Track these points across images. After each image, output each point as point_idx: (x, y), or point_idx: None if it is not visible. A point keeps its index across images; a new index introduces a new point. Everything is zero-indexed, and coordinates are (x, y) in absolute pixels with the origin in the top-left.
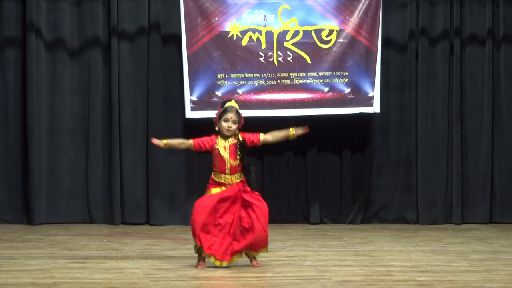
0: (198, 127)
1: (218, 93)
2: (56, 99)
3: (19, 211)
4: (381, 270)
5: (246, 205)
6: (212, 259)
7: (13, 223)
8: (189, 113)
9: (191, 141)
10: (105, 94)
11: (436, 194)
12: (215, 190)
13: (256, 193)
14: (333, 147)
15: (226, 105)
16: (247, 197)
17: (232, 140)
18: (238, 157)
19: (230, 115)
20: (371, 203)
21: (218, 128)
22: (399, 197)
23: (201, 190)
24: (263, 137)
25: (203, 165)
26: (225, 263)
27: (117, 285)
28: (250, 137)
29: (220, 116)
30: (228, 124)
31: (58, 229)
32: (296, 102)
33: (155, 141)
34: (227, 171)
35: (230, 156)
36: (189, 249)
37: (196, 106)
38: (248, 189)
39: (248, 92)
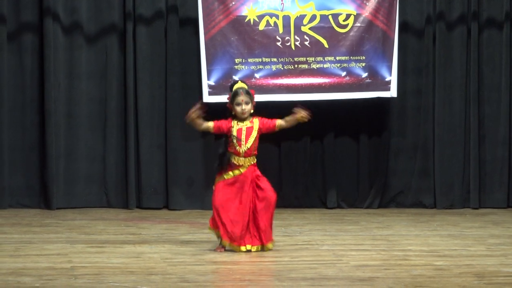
0: (216, 112)
1: (236, 77)
2: (73, 83)
3: (37, 196)
4: (399, 255)
5: (257, 191)
6: (229, 245)
7: (31, 208)
8: (207, 98)
9: (211, 123)
10: (122, 79)
11: (454, 179)
12: (227, 176)
13: (265, 179)
14: (350, 132)
15: (234, 88)
16: (258, 182)
17: (248, 123)
18: (252, 141)
19: (241, 98)
20: (388, 187)
21: (234, 112)
22: (416, 181)
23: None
24: (279, 122)
25: (221, 149)
26: (242, 248)
27: (135, 270)
28: (266, 122)
29: (232, 101)
30: (242, 107)
31: (75, 213)
32: (313, 86)
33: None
34: (241, 153)
35: (245, 139)
36: (207, 234)
37: (213, 90)
38: (259, 173)
39: (265, 76)
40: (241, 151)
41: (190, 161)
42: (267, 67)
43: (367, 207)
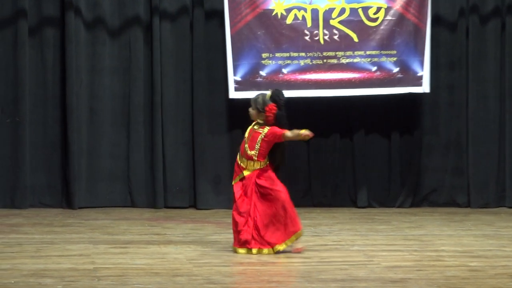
0: (242, 108)
1: (263, 72)
2: (96, 79)
3: (59, 195)
4: (431, 255)
5: (263, 192)
6: (241, 251)
7: (52, 207)
8: (233, 94)
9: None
10: (146, 74)
11: (488, 177)
12: (235, 181)
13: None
14: (381, 129)
15: (262, 97)
16: (261, 182)
17: (259, 129)
18: (256, 148)
19: (250, 110)
20: (421, 186)
21: None
22: (449, 179)
23: None
24: (286, 132)
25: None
26: (254, 251)
27: (159, 271)
28: (275, 131)
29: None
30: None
31: (98, 213)
32: (342, 82)
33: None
34: (243, 154)
35: (249, 141)
36: None
37: (240, 86)
38: (263, 179)
39: (293, 71)
40: (243, 151)
41: (217, 157)
42: (295, 62)
43: (399, 206)
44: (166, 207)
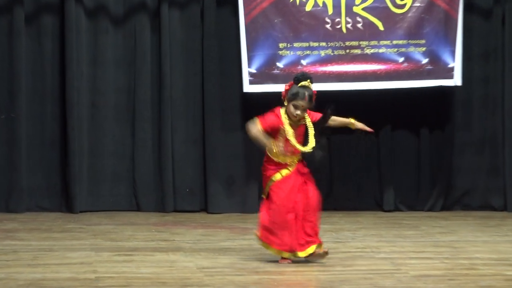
0: (257, 103)
1: (280, 64)
2: (98, 71)
3: (58, 198)
4: (464, 263)
5: (303, 188)
6: (285, 254)
7: (51, 211)
8: (247, 87)
9: (258, 125)
10: (153, 66)
11: None
12: (276, 177)
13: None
14: (409, 125)
15: (300, 87)
16: (305, 178)
17: (300, 122)
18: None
19: (302, 103)
20: (453, 187)
21: (284, 103)
22: (484, 180)
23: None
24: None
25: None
26: (301, 254)
27: (167, 280)
28: (315, 116)
29: (291, 97)
30: (297, 112)
31: (101, 217)
32: (367, 74)
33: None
34: (289, 153)
35: (297, 139)
36: (248, 240)
37: (255, 79)
38: (306, 169)
39: (313, 63)
40: (289, 150)
41: (230, 157)
42: (315, 52)
43: (429, 210)
44: (175, 211)
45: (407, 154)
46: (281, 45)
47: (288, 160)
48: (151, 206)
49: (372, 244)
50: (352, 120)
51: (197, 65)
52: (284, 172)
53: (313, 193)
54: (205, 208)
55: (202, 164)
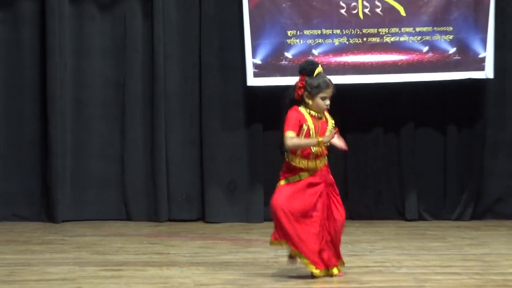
0: (263, 98)
1: (288, 54)
2: (83, 62)
3: (38, 206)
4: (497, 279)
5: (329, 204)
6: (304, 261)
7: (29, 221)
8: (252, 80)
9: (289, 134)
10: (145, 56)
11: None
12: (284, 182)
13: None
14: (434, 122)
15: (318, 77)
16: (330, 192)
17: (323, 116)
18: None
19: (329, 91)
20: (484, 193)
21: (305, 100)
22: None
23: (268, 177)
24: None
25: (268, 145)
26: (320, 272)
27: None
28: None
29: (314, 90)
30: (327, 102)
31: (86, 227)
32: (387, 65)
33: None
34: (312, 156)
35: (321, 135)
36: (252, 253)
37: (260, 71)
38: (332, 178)
39: (326, 53)
40: (312, 152)
41: (232, 159)
42: (328, 41)
43: (457, 219)
44: (170, 220)
45: (432, 155)
46: (289, 32)
47: (310, 165)
48: (143, 215)
49: (393, 257)
50: (320, 139)
51: (195, 55)
52: (304, 175)
53: (339, 214)
54: (203, 217)
55: (200, 167)
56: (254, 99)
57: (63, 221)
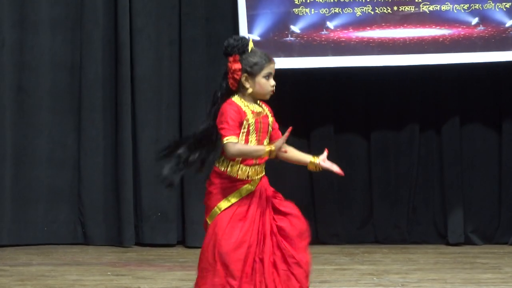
0: None
1: (296, 28)
2: (27, 38)
3: None
4: None
5: (277, 220)
6: None
7: None
8: None
9: (231, 139)
10: (108, 30)
11: None
12: (225, 203)
13: (280, 196)
14: (485, 116)
15: (253, 52)
16: (277, 204)
17: (260, 109)
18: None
19: (272, 66)
20: None
21: (244, 86)
22: None
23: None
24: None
25: None
26: None
27: None
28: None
29: (254, 70)
30: (272, 81)
31: (31, 254)
32: (424, 42)
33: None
34: (255, 160)
35: (263, 134)
36: None
37: (259, 49)
38: (272, 189)
39: (344, 26)
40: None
41: None
42: (348, 10)
43: None
44: (140, 244)
45: (482, 160)
46: (296, 0)
47: (250, 173)
48: (105, 238)
49: None
50: (313, 159)
51: (174, 29)
52: (245, 190)
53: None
54: (183, 240)
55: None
56: None
57: (1, 246)
